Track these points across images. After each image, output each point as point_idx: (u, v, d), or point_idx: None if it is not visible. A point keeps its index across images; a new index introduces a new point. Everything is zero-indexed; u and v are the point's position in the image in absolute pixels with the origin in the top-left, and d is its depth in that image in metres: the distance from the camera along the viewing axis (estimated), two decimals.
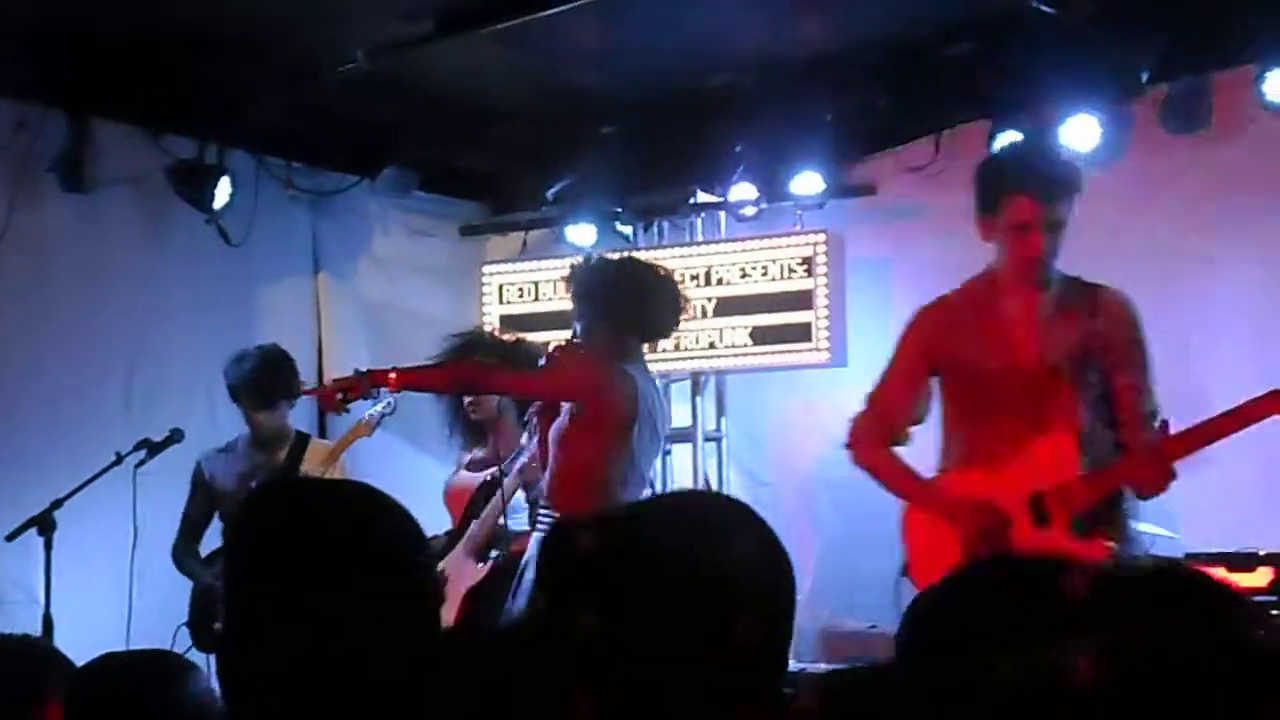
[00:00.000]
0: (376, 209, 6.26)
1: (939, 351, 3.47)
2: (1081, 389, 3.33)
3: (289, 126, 5.68)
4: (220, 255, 5.72)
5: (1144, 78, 4.76)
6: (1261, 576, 3.93)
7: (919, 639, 1.32)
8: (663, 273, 4.23)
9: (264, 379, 4.95)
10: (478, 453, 4.90)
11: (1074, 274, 3.43)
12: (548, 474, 4.02)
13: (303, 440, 5.10)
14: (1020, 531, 3.26)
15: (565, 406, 4.06)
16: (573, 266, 4.34)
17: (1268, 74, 4.65)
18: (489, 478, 4.66)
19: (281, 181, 5.94)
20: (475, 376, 4.24)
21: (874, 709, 1.22)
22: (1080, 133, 4.94)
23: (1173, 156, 5.06)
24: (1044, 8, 4.63)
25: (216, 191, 5.50)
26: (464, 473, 4.91)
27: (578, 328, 4.18)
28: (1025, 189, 3.30)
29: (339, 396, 3.98)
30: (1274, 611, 3.77)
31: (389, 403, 4.83)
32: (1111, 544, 3.23)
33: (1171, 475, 3.18)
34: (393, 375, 3.96)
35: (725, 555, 1.27)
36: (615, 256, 4.46)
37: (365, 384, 3.96)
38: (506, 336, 5.12)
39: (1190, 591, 1.12)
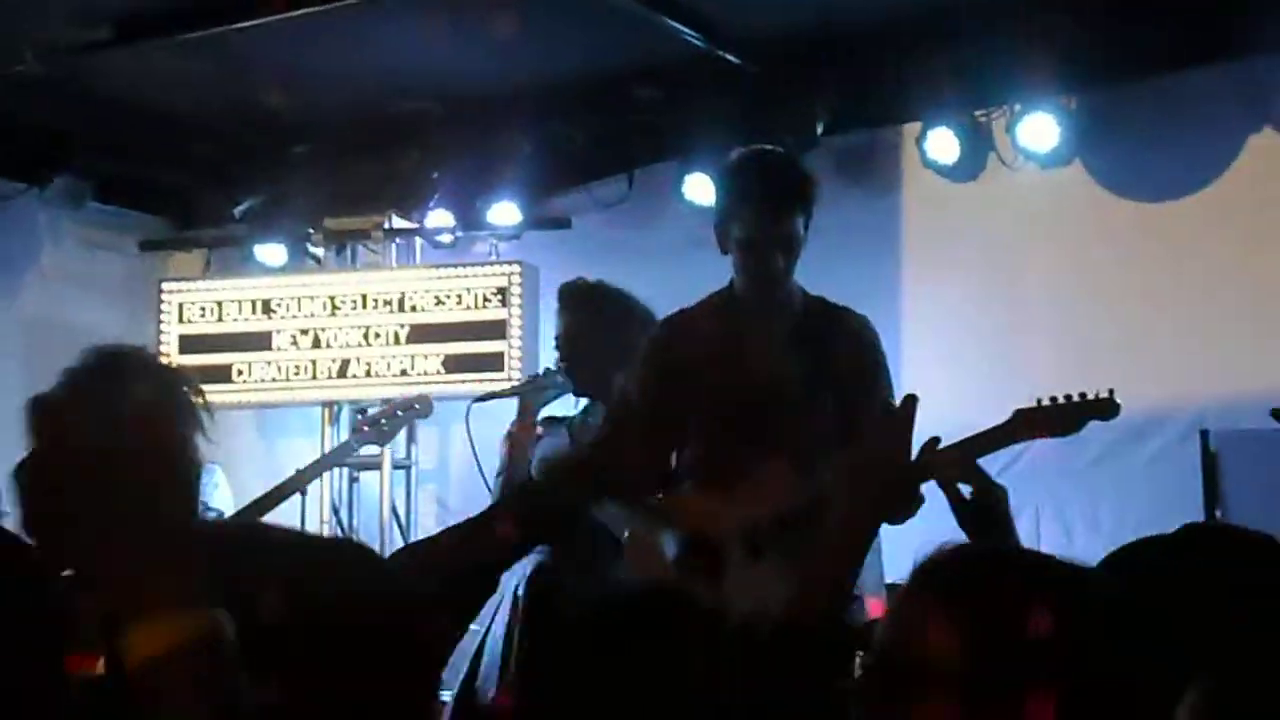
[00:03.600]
0: (46, 219, 5.89)
1: (673, 367, 3.30)
2: (814, 415, 3.17)
3: None
4: None
5: (819, 129, 5.03)
6: None
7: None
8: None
9: None
10: None
11: (817, 295, 3.30)
12: None
13: None
14: (732, 564, 3.12)
15: None
16: (575, 285, 4.13)
17: (930, 132, 5.00)
18: None
19: None
20: None
21: None
22: None
23: (845, 205, 5.36)
24: (728, 57, 4.84)
25: None
26: None
27: (575, 355, 3.98)
28: (756, 204, 3.13)
29: None
30: None
31: None
32: None
33: (917, 499, 2.94)
34: None
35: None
36: (613, 287, 4.18)
37: None
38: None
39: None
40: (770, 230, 3.14)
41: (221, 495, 4.63)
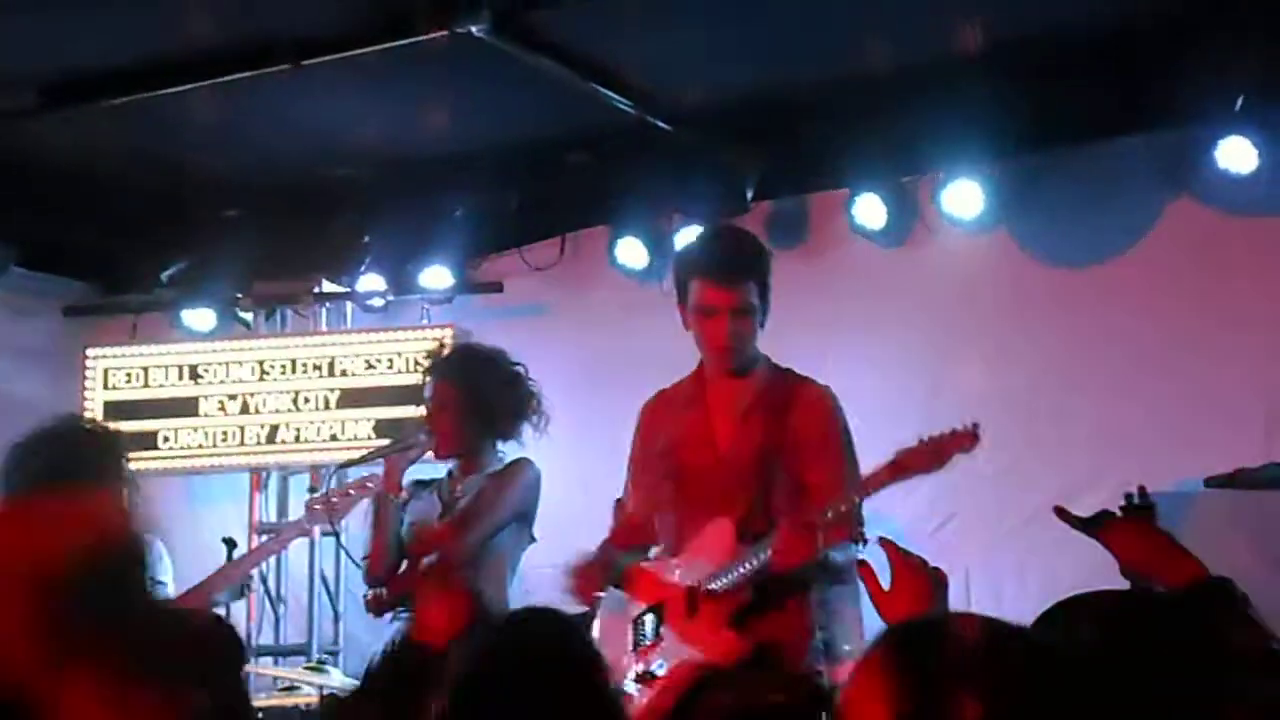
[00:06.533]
0: None
1: (654, 444, 3.49)
2: (772, 484, 3.30)
3: None
4: None
5: (749, 194, 5.09)
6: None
7: None
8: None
9: None
10: None
11: (784, 365, 3.45)
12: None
13: None
14: (674, 619, 3.28)
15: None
16: (440, 351, 4.31)
17: (857, 198, 5.07)
18: None
19: None
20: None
21: None
22: None
23: (775, 269, 5.39)
24: (660, 124, 4.89)
25: None
26: None
27: (444, 417, 4.03)
28: (707, 274, 3.30)
29: None
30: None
31: None
32: (751, 642, 3.18)
33: (811, 548, 3.12)
34: None
35: None
36: (485, 348, 4.26)
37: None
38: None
39: None
40: (726, 300, 3.29)
41: (165, 566, 4.53)
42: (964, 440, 3.14)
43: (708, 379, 3.41)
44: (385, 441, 4.60)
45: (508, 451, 4.22)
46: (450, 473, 4.25)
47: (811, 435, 3.35)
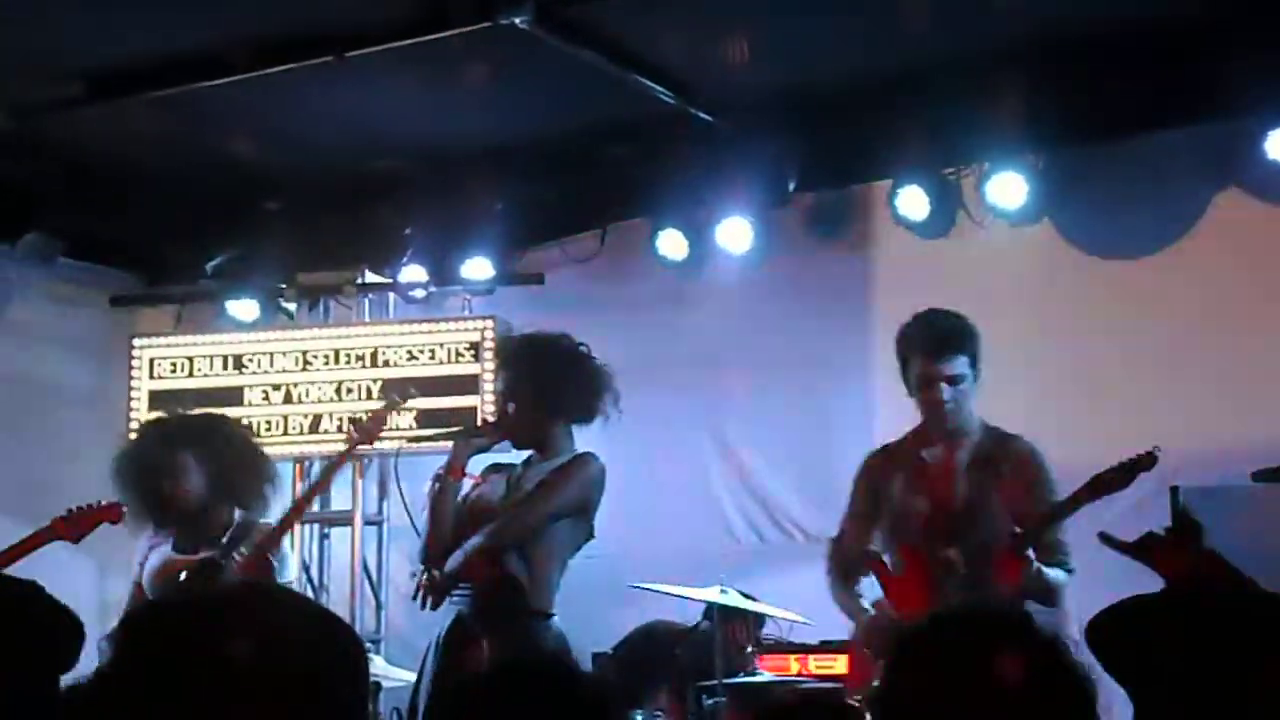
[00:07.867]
0: (16, 275, 5.87)
1: (879, 493, 4.00)
2: (992, 529, 3.79)
3: None
4: None
5: (791, 186, 5.07)
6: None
7: None
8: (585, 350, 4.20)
9: None
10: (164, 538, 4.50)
11: (994, 424, 3.94)
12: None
13: None
14: None
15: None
16: (503, 341, 4.41)
17: (900, 189, 5.04)
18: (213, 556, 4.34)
19: None
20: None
21: None
22: (734, 235, 5.22)
23: (817, 261, 5.39)
24: (701, 114, 4.88)
25: None
26: (172, 553, 4.50)
27: (510, 407, 4.08)
28: (922, 350, 3.85)
29: None
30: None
31: None
32: None
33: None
34: None
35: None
36: (546, 335, 4.27)
37: None
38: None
39: None
40: (941, 373, 3.81)
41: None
42: (1147, 462, 3.64)
43: (929, 438, 3.92)
44: (456, 428, 4.59)
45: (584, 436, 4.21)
46: (528, 460, 4.25)
47: (1022, 485, 3.84)
